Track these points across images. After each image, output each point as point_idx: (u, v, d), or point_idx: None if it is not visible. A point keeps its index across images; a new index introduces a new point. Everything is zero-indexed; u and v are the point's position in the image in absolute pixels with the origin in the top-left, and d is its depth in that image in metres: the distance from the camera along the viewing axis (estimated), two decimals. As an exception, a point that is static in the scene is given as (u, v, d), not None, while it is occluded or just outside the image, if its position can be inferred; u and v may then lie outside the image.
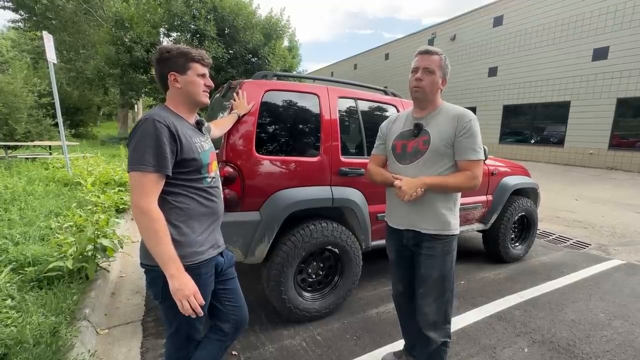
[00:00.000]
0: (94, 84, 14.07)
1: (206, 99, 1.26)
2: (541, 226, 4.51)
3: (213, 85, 1.29)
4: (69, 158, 6.01)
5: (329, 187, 2.21)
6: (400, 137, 1.58)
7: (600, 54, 11.01)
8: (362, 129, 2.45)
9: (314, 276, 2.29)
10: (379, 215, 2.45)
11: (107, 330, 2.09)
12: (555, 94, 12.28)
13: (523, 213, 3.33)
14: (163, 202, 1.13)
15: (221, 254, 1.33)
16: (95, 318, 2.13)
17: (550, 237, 4.27)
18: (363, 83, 2.77)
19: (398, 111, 2.67)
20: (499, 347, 2.03)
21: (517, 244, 3.47)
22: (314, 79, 2.55)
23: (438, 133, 1.45)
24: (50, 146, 8.37)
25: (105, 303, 2.39)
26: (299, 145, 2.21)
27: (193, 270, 1.16)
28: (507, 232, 3.24)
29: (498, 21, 14.27)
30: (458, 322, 2.27)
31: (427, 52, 1.47)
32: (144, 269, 1.21)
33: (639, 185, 7.88)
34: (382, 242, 2.58)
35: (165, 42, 12.55)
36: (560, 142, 12.30)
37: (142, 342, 2.00)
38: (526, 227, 3.50)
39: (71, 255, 2.39)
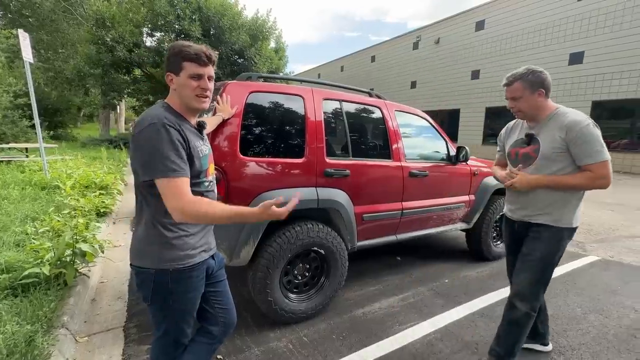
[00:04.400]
0: (74, 84, 13.64)
1: (200, 104, 1.15)
2: (522, 225, 4.63)
3: (210, 88, 1.17)
4: (47, 161, 5.80)
5: (315, 188, 2.22)
6: (514, 144, 1.79)
7: (576, 58, 11.47)
8: (347, 130, 2.47)
9: (300, 278, 2.29)
10: (364, 215, 2.48)
11: (86, 338, 2.02)
12: (535, 97, 12.69)
13: (504, 212, 3.42)
14: (160, 205, 1.09)
15: (212, 256, 1.32)
16: (74, 325, 2.06)
17: (531, 235, 4.40)
18: (348, 85, 2.79)
19: (382, 113, 2.71)
20: (481, 342, 2.08)
21: (498, 243, 3.56)
22: (300, 81, 2.56)
23: (548, 142, 1.60)
24: (26, 148, 8.05)
25: (85, 309, 2.32)
26: (284, 147, 2.21)
27: (185, 273, 1.15)
28: (489, 230, 3.33)
29: (480, 25, 14.68)
30: (442, 320, 2.31)
31: (507, 85, 1.65)
32: (134, 271, 1.17)
33: (615, 185, 8.21)
34: (368, 242, 2.61)
35: (149, 42, 12.31)
36: (539, 143, 12.70)
37: (123, 349, 1.95)
38: (507, 225, 3.60)
39: (48, 261, 2.31)
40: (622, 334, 2.17)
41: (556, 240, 1.64)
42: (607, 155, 1.51)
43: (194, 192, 1.16)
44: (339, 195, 2.31)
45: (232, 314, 1.41)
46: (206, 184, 1.23)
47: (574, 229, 1.66)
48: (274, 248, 2.04)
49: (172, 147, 1.05)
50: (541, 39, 12.44)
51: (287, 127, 2.27)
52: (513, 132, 1.84)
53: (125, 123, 22.71)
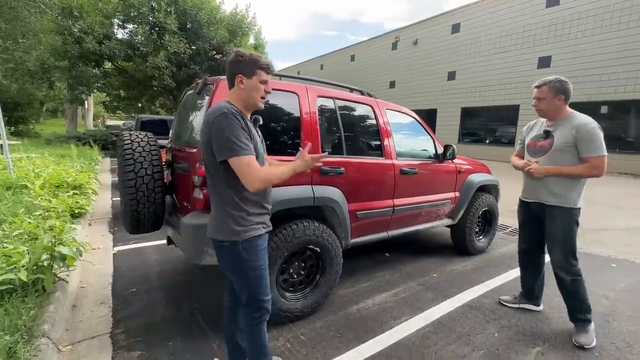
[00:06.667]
0: (37, 77, 12.72)
1: (261, 104, 1.41)
2: (500, 220, 4.85)
3: (271, 92, 1.44)
4: (11, 158, 5.39)
5: (310, 186, 2.21)
6: (534, 138, 2.22)
7: (544, 62, 12.13)
8: (341, 127, 2.47)
9: (295, 276, 2.28)
10: (358, 213, 2.50)
11: (70, 347, 1.90)
12: (507, 98, 13.32)
13: (486, 208, 3.57)
14: (230, 189, 1.33)
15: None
16: (56, 334, 1.93)
17: (508, 230, 4.63)
18: (338, 83, 2.80)
19: (374, 111, 2.74)
20: (473, 334, 2.16)
21: (481, 237, 3.71)
22: (292, 77, 2.53)
23: (561, 137, 2.02)
24: (-15, 145, 7.43)
25: (66, 317, 2.18)
26: (278, 145, 2.18)
27: (251, 242, 1.36)
28: (472, 226, 3.45)
29: (456, 28, 15.16)
30: (435, 313, 2.38)
31: (537, 87, 2.09)
32: (214, 244, 1.40)
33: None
34: (361, 239, 2.63)
35: (121, 34, 11.75)
36: (510, 142, 13.35)
37: (112, 357, 1.85)
38: (488, 221, 3.75)
39: (24, 266, 2.15)
40: (598, 320, 2.32)
41: (568, 217, 2.05)
42: (604, 151, 1.92)
43: None
44: (334, 193, 2.31)
45: None
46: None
47: (579, 209, 2.07)
48: (270, 247, 2.00)
49: (241, 131, 1.26)
50: (512, 43, 13.05)
51: (282, 124, 2.25)
52: (534, 128, 2.28)
53: (94, 119, 21.50)
